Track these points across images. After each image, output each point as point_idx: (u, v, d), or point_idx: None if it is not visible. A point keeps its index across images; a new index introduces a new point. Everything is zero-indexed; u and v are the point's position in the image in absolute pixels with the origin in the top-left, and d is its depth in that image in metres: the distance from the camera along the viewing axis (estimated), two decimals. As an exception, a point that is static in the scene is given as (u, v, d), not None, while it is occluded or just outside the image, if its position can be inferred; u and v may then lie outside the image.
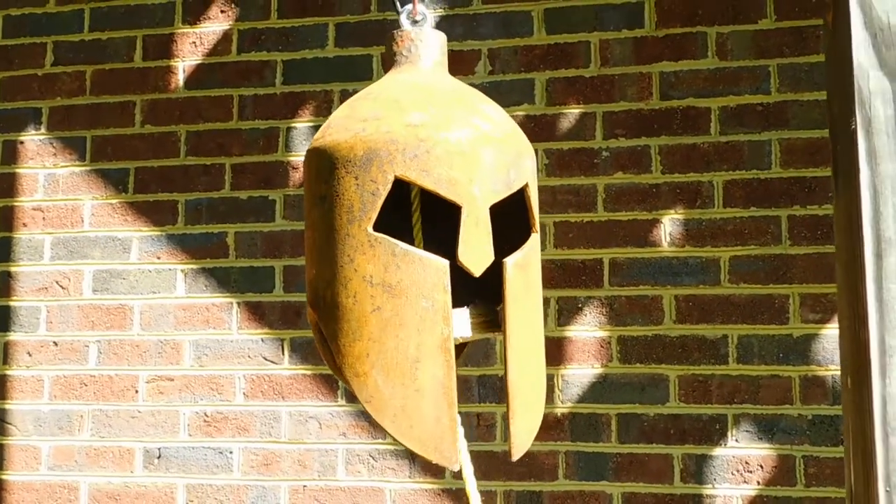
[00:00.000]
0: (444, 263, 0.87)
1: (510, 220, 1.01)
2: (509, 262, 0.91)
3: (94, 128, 2.41)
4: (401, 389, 0.87)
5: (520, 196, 0.97)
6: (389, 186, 0.88)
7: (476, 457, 2.14)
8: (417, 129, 0.89)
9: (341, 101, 2.31)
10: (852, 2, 0.74)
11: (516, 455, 0.92)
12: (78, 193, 2.39)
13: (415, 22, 1.02)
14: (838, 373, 2.02)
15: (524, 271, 0.93)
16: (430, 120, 0.90)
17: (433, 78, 1.00)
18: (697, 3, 2.22)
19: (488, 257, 0.90)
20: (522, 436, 0.92)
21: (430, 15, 1.05)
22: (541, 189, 2.09)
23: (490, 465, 2.13)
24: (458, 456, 0.88)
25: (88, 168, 2.40)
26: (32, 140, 2.43)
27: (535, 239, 0.96)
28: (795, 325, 2.07)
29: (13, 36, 2.48)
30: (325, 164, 0.93)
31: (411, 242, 1.00)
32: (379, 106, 0.93)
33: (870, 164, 0.77)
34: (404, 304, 0.87)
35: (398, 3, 1.03)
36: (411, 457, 2.18)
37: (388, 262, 0.87)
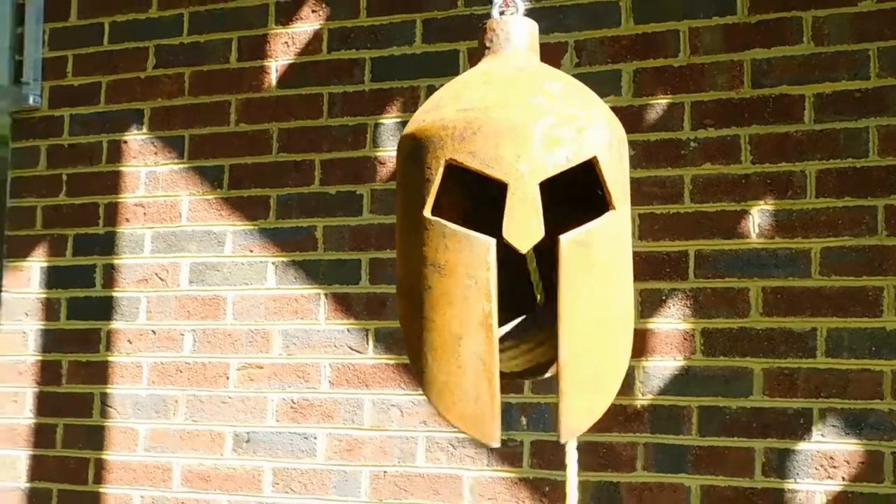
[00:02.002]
0: (488, 241, 0.96)
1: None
2: (564, 238, 0.96)
3: (191, 127, 2.80)
4: (445, 366, 0.97)
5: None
6: (441, 171, 0.99)
7: (553, 445, 2.38)
8: (468, 113, 0.98)
9: (428, 97, 2.61)
10: None
11: (564, 438, 0.98)
12: (176, 190, 2.78)
13: (501, 13, 1.11)
14: (934, 367, 2.15)
15: (587, 249, 0.97)
16: (482, 102, 1.00)
17: (513, 63, 1.08)
18: (789, -12, 2.40)
19: (537, 234, 0.96)
20: (573, 418, 0.97)
21: (522, 4, 1.12)
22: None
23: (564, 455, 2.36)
24: (498, 433, 0.95)
25: (186, 166, 2.79)
26: (135, 140, 2.84)
27: (611, 216, 1.01)
28: (889, 317, 2.21)
29: (118, 41, 2.90)
30: (398, 156, 1.08)
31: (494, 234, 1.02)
32: (444, 94, 1.06)
33: None
34: (452, 283, 0.96)
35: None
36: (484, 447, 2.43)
37: (438, 243, 0.98)
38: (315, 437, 2.57)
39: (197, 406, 2.68)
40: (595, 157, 0.99)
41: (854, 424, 2.20)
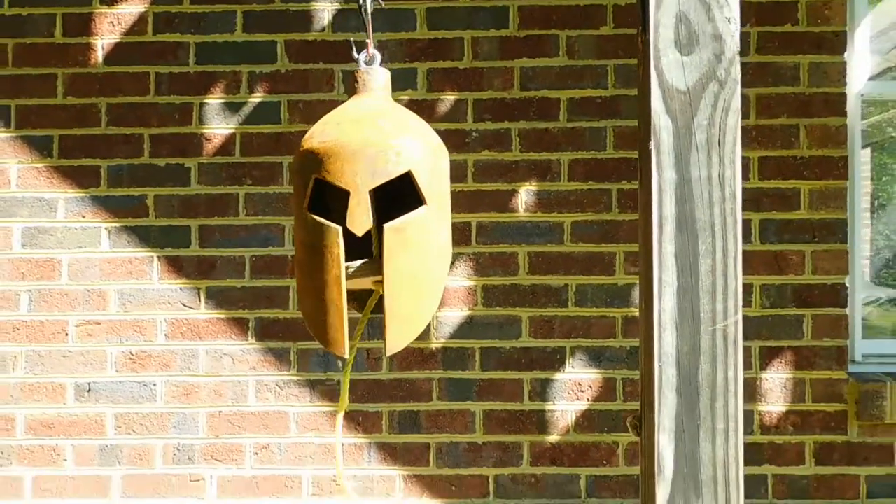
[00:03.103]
0: (338, 228, 1.40)
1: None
2: (386, 226, 1.40)
3: (17, 97, 2.96)
4: (314, 307, 1.42)
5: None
6: (312, 182, 1.45)
7: (367, 384, 2.93)
8: (326, 144, 1.45)
9: (249, 81, 2.97)
10: (652, 71, 1.42)
11: (388, 353, 1.42)
12: (4, 158, 2.95)
13: (368, 63, 1.56)
14: (650, 314, 2.92)
15: (402, 233, 1.40)
16: (336, 137, 1.46)
17: (366, 104, 1.54)
18: (550, 10, 3.01)
19: (367, 223, 1.40)
20: (392, 341, 1.43)
21: (379, 56, 1.56)
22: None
23: (377, 390, 2.92)
24: (346, 349, 1.41)
25: (14, 134, 2.96)
26: (-43, 106, 2.96)
27: (423, 209, 1.43)
28: (621, 276, 2.95)
29: (-68, 6, 2.97)
30: (291, 168, 1.55)
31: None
32: (317, 128, 1.51)
33: (658, 170, 1.47)
34: (317, 255, 1.45)
35: (355, 48, 1.57)
36: (312, 385, 2.93)
37: (310, 229, 1.46)
38: (154, 385, 2.93)
39: (36, 360, 2.93)
40: (409, 171, 1.46)
41: (595, 358, 2.94)
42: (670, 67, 1.34)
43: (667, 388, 1.34)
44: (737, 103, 1.34)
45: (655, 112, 1.34)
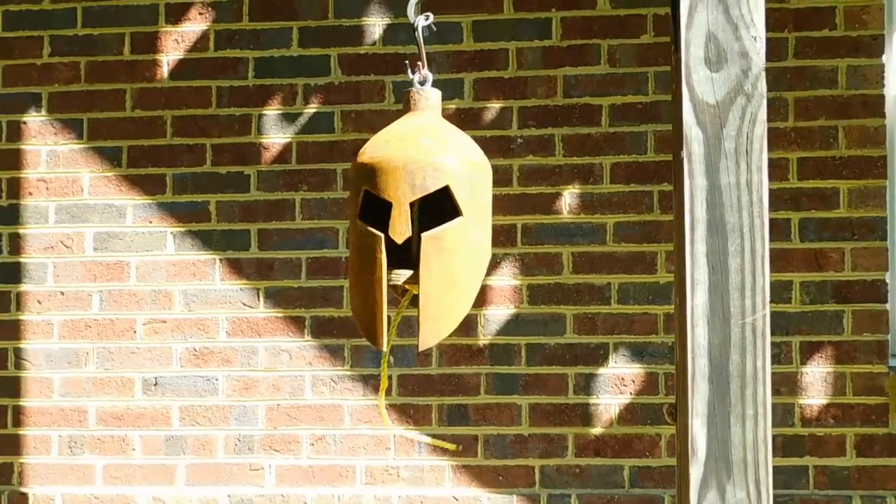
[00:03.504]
0: (381, 235, 1.55)
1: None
2: (423, 235, 1.55)
3: (89, 111, 3.17)
4: (360, 303, 1.59)
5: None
6: (361, 194, 1.62)
7: (417, 378, 3.06)
8: (374, 160, 1.62)
9: (304, 93, 3.15)
10: (683, 86, 1.54)
11: (421, 348, 1.57)
12: (77, 167, 3.16)
13: (421, 83, 1.69)
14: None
15: (438, 241, 1.55)
16: (383, 153, 1.62)
17: (415, 123, 1.68)
18: (592, 21, 3.13)
19: (407, 233, 1.55)
20: (425, 337, 1.57)
21: (431, 76, 1.69)
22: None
23: (427, 384, 3.05)
24: (383, 342, 1.56)
25: (86, 146, 3.17)
26: (34, 121, 3.18)
27: (459, 220, 1.57)
28: (662, 274, 3.04)
29: (12, 29, 3.20)
30: (348, 178, 1.71)
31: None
32: (370, 144, 1.68)
33: (690, 177, 1.57)
34: (362, 257, 1.63)
35: (409, 68, 1.69)
36: (365, 380, 3.08)
37: (359, 234, 1.63)
38: (216, 379, 3.10)
39: (107, 356, 3.12)
40: (447, 186, 1.61)
41: (637, 354, 3.03)
42: (701, 83, 1.46)
43: (699, 377, 1.44)
44: (763, 115, 1.44)
45: (687, 124, 1.45)
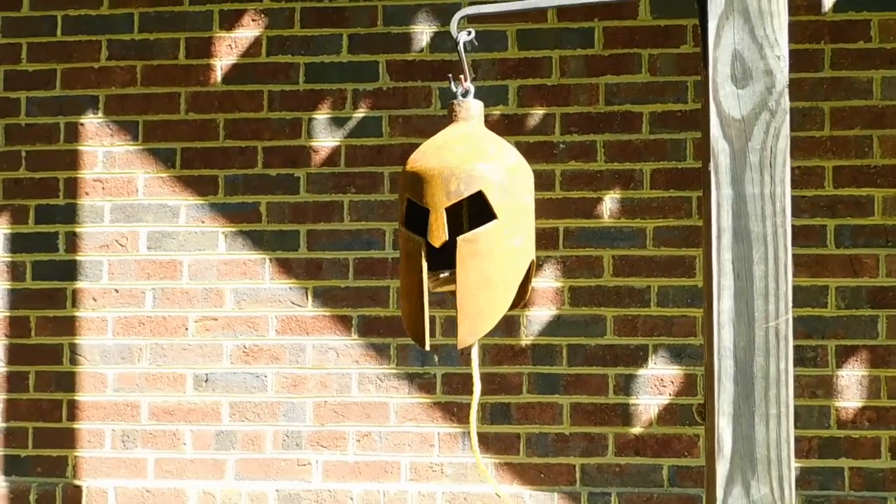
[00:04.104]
0: (421, 239, 1.64)
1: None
2: (459, 238, 1.62)
3: (145, 114, 3.27)
4: (406, 303, 1.67)
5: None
6: (406, 202, 1.70)
7: (461, 377, 3.15)
8: (415, 169, 1.71)
9: (353, 98, 3.24)
10: (711, 102, 1.64)
11: (460, 346, 1.63)
12: (132, 168, 3.26)
13: (464, 95, 1.75)
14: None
15: (473, 243, 1.66)
16: (423, 164, 1.71)
17: (456, 132, 1.76)
18: (633, 30, 3.22)
19: (443, 237, 1.63)
20: (464, 335, 1.64)
21: (472, 88, 1.75)
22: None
23: (470, 383, 3.12)
24: (426, 341, 1.69)
25: (141, 147, 3.27)
26: (91, 122, 3.28)
27: (494, 223, 1.63)
28: (700, 278, 3.12)
29: (71, 33, 3.31)
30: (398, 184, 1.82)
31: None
32: (415, 155, 1.76)
33: (716, 188, 1.66)
34: (409, 261, 1.71)
35: (452, 81, 1.75)
36: (410, 378, 3.16)
37: (404, 239, 1.73)
38: (265, 376, 3.19)
39: (159, 353, 3.22)
40: (481, 191, 1.68)
41: (676, 355, 3.11)
42: (727, 99, 1.53)
43: (725, 378, 1.50)
44: (786, 129, 1.51)
45: (714, 137, 1.53)
